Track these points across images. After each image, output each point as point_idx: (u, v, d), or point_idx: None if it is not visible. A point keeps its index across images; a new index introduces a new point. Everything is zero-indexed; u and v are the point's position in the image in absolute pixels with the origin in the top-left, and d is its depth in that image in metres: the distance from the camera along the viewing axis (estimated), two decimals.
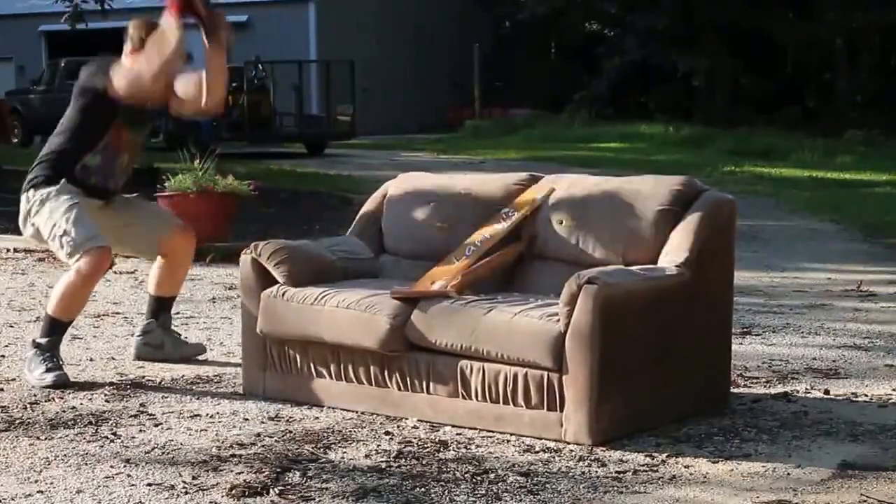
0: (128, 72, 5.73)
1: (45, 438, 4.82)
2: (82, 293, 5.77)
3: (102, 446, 4.72)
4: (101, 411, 5.24)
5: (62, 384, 5.61)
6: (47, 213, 5.75)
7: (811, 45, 33.04)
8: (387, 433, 4.90)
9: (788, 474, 4.37)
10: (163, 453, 4.64)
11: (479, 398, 4.90)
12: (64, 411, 5.24)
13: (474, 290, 5.16)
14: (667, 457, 4.56)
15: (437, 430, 4.91)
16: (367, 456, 4.59)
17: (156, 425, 5.03)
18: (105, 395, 5.52)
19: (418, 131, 33.03)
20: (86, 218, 5.72)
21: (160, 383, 5.77)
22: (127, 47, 5.87)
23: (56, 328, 5.78)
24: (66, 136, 5.85)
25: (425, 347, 5.00)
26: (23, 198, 5.87)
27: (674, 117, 30.44)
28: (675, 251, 5.03)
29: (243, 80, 24.51)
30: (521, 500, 4.10)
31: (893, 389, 5.65)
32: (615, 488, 4.22)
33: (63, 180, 5.77)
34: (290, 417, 5.15)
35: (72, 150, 5.82)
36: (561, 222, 5.39)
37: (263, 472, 4.35)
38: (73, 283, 5.69)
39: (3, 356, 6.34)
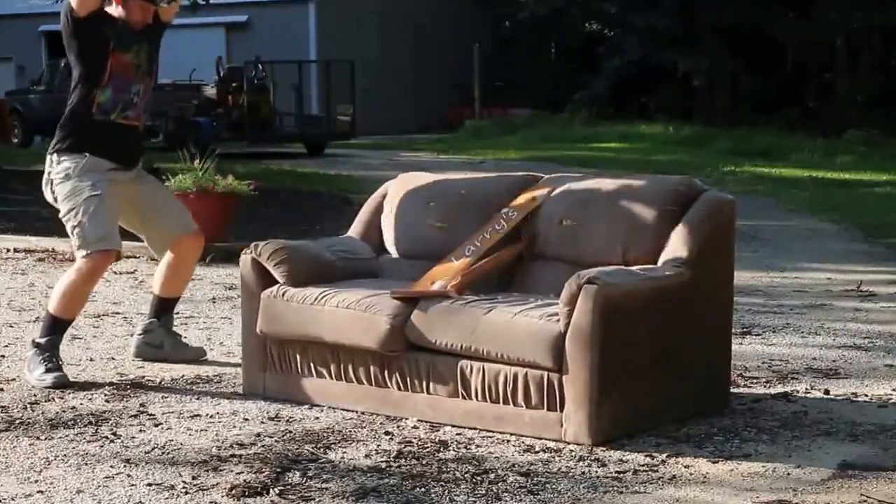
0: None
1: (45, 438, 4.82)
2: (82, 291, 5.80)
3: (102, 446, 4.72)
4: (101, 411, 5.24)
5: (62, 384, 5.61)
6: (69, 190, 5.76)
7: (811, 45, 33.03)
8: (387, 433, 4.90)
9: (788, 474, 4.37)
10: (163, 453, 4.64)
11: (479, 398, 4.90)
12: (64, 411, 5.24)
13: (474, 290, 5.17)
14: (667, 457, 4.56)
15: (437, 430, 4.92)
16: (367, 456, 4.59)
17: (156, 425, 5.03)
18: (105, 395, 5.52)
19: (418, 131, 33.00)
20: (104, 213, 5.72)
21: (160, 383, 5.77)
22: None
23: (56, 327, 5.79)
24: (74, 84, 5.88)
25: (425, 347, 5.00)
26: (48, 159, 5.88)
27: (674, 117, 30.43)
28: (675, 251, 5.04)
29: (243, 80, 24.50)
30: (521, 500, 4.10)
31: (893, 389, 5.65)
32: (615, 488, 4.22)
33: (87, 154, 5.77)
34: (290, 417, 5.15)
35: (83, 94, 5.83)
36: (561, 222, 5.39)
37: (263, 472, 4.35)
38: (74, 282, 5.72)
39: (3, 356, 6.34)
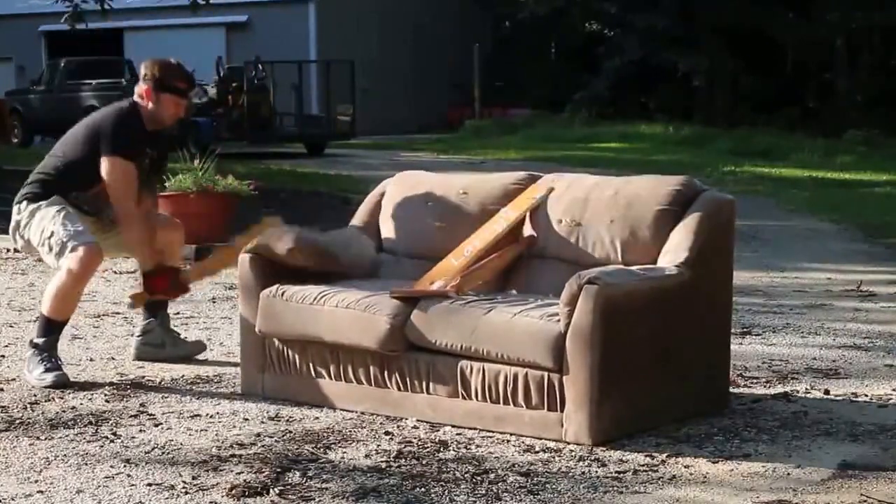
0: (114, 179, 5.74)
1: (45, 438, 4.82)
2: (74, 292, 5.76)
3: (102, 446, 4.72)
4: (101, 411, 5.24)
5: (62, 384, 5.61)
6: (37, 223, 5.79)
7: (811, 45, 33.04)
8: (387, 433, 4.90)
9: (788, 474, 4.37)
10: (163, 453, 4.64)
11: (479, 398, 4.90)
12: (64, 411, 5.24)
13: (474, 290, 5.16)
14: (667, 457, 4.56)
15: (437, 430, 4.91)
16: (367, 456, 4.59)
17: (156, 425, 5.03)
18: (105, 395, 5.52)
19: (418, 131, 33.01)
20: (73, 218, 5.74)
21: (160, 383, 5.77)
22: (140, 87, 5.88)
23: (52, 328, 5.78)
24: (62, 166, 5.87)
25: (425, 347, 5.00)
26: (14, 209, 5.89)
27: (674, 117, 30.43)
28: (674, 251, 5.03)
29: (243, 80, 24.50)
30: (521, 500, 4.10)
31: (893, 389, 5.65)
32: (615, 488, 4.22)
33: (55, 195, 5.81)
34: (290, 417, 5.15)
35: (66, 182, 5.84)
36: (561, 222, 5.39)
37: (263, 472, 4.35)
38: (64, 283, 5.68)
39: (3, 356, 6.34)
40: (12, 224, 5.91)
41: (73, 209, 5.80)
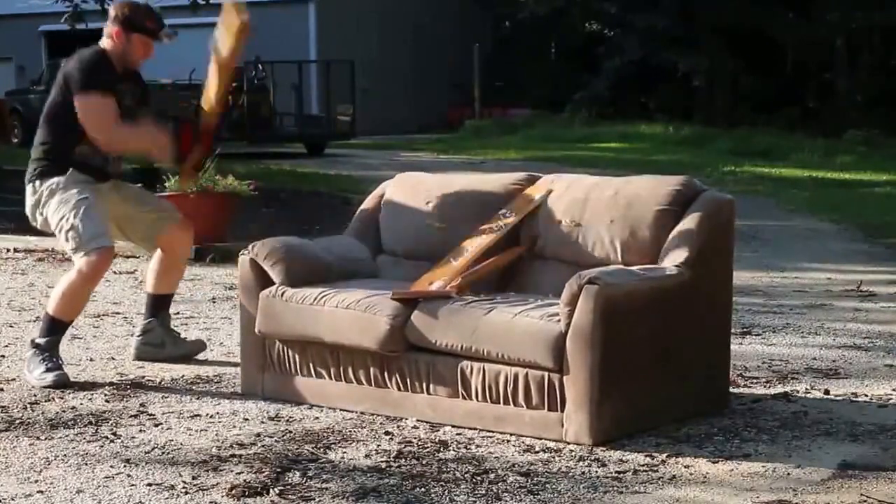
0: (89, 113, 5.69)
1: (45, 438, 4.82)
2: (83, 293, 5.79)
3: (102, 446, 4.72)
4: (101, 411, 5.24)
5: (62, 384, 5.61)
6: (56, 204, 5.77)
7: (811, 45, 33.04)
8: (387, 433, 4.90)
9: (788, 474, 4.37)
10: (163, 453, 4.64)
11: (480, 398, 4.90)
12: (64, 411, 5.24)
13: (474, 290, 5.16)
14: (667, 457, 4.56)
15: (437, 430, 4.91)
16: (367, 456, 4.59)
17: (156, 425, 5.03)
18: (105, 395, 5.52)
19: (418, 131, 33.00)
20: (94, 214, 5.73)
21: (160, 383, 5.77)
22: (109, 28, 5.87)
23: (56, 328, 5.79)
24: (54, 128, 5.84)
25: (425, 348, 5.00)
26: (28, 188, 5.87)
27: (674, 117, 30.43)
28: (674, 251, 5.03)
29: (243, 80, 24.48)
30: (521, 500, 4.10)
31: (893, 389, 5.65)
32: (615, 488, 4.22)
33: (70, 169, 5.78)
34: (290, 417, 5.15)
35: (64, 141, 5.81)
36: (561, 222, 5.39)
37: (263, 472, 4.36)
38: (74, 284, 5.70)
39: (3, 356, 6.34)
40: (30, 203, 5.88)
41: (91, 188, 5.76)
